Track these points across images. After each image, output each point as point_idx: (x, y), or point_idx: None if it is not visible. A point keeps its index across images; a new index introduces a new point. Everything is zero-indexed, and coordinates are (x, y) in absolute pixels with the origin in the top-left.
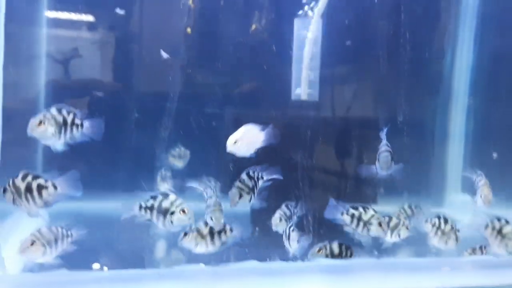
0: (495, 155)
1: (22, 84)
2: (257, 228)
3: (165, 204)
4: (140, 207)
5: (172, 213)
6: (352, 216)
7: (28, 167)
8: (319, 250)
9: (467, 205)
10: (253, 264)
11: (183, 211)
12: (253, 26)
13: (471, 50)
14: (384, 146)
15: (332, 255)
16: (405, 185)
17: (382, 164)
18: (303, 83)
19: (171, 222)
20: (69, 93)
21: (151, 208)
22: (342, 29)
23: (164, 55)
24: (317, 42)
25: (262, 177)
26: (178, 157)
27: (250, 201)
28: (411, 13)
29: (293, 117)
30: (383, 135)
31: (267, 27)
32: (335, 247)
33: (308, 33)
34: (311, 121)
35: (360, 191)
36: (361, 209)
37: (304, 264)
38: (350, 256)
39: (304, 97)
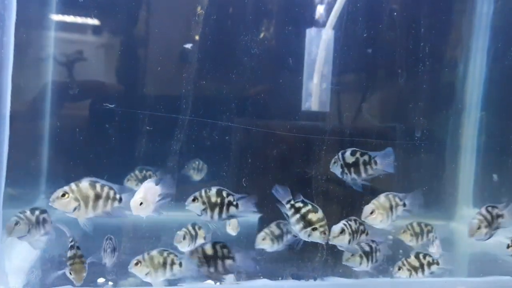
0: (495, 177)
1: (28, 87)
2: None
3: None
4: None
5: (315, 228)
6: None
7: (33, 171)
8: (192, 254)
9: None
10: (264, 282)
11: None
12: (262, 35)
13: (484, 62)
14: None
15: (206, 257)
16: None
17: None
18: (314, 94)
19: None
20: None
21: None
22: (354, 41)
23: (188, 46)
24: (329, 53)
25: None
26: (197, 170)
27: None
28: (423, 25)
29: (303, 128)
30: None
31: (278, 37)
32: (208, 248)
33: (320, 44)
34: (322, 132)
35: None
36: None
37: (317, 283)
38: (229, 256)
39: (314, 107)
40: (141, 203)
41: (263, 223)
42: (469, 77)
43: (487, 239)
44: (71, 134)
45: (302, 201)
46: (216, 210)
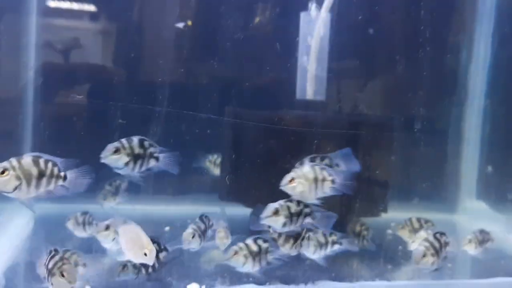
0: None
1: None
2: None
3: None
4: None
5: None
6: None
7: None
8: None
9: (481, 212)
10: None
11: None
12: (257, 20)
13: (489, 48)
14: None
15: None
16: (417, 191)
17: None
18: (309, 82)
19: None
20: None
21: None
22: (352, 25)
23: (180, 25)
24: (325, 38)
25: None
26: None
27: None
28: (424, 9)
29: (298, 118)
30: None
31: (271, 21)
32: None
33: (315, 28)
34: (317, 122)
35: (370, 197)
36: None
37: (308, 287)
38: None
39: (310, 96)
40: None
41: None
42: (473, 63)
43: (435, 269)
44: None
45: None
46: (139, 163)
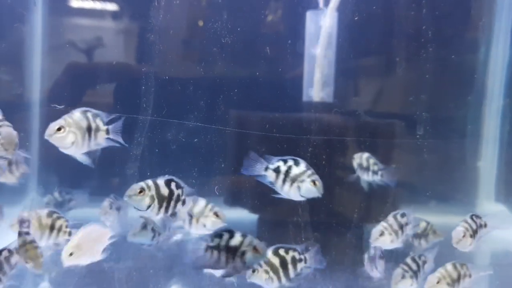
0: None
1: None
2: None
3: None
4: None
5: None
6: None
7: None
8: None
9: (501, 215)
10: None
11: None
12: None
13: (508, 45)
14: None
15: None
16: (433, 194)
17: None
18: (316, 83)
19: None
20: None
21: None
22: (362, 22)
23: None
24: (332, 37)
25: None
26: None
27: None
28: (440, 3)
29: (304, 121)
30: None
31: (276, 20)
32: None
33: (322, 27)
34: (325, 125)
35: (381, 201)
36: None
37: None
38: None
39: (317, 98)
40: (70, 254)
41: (262, 224)
42: (492, 61)
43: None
44: None
45: (279, 160)
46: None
